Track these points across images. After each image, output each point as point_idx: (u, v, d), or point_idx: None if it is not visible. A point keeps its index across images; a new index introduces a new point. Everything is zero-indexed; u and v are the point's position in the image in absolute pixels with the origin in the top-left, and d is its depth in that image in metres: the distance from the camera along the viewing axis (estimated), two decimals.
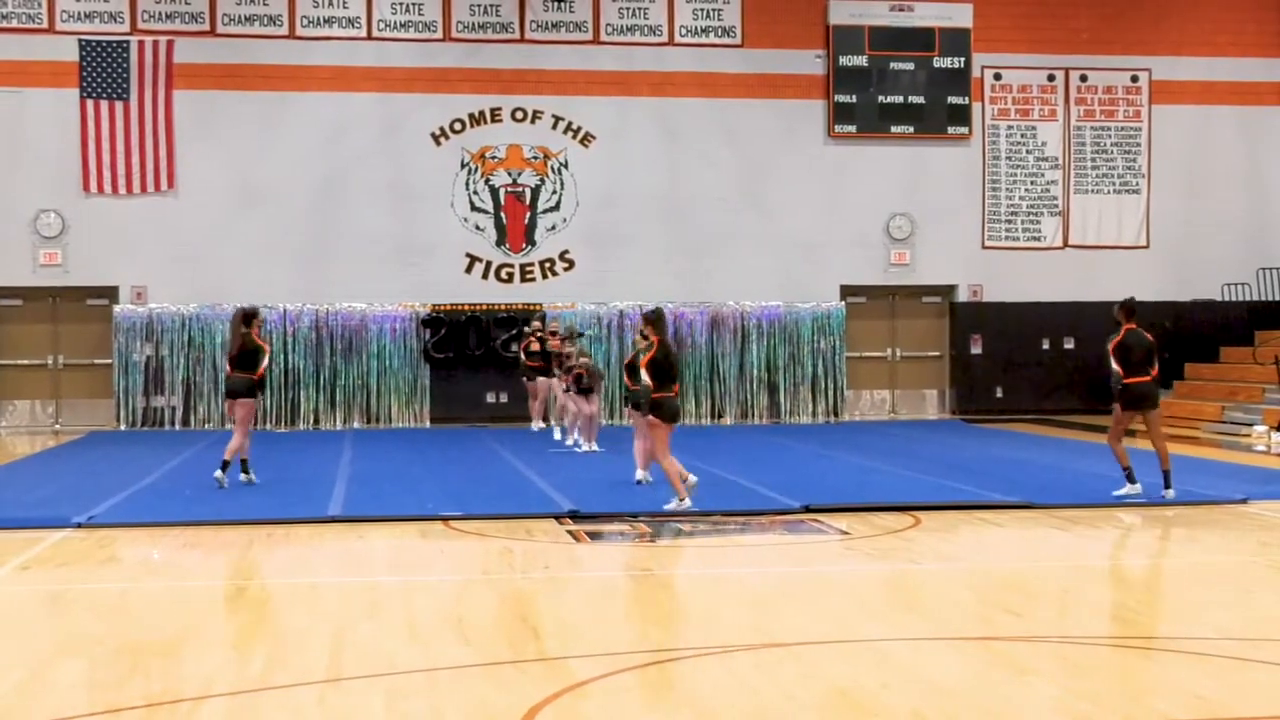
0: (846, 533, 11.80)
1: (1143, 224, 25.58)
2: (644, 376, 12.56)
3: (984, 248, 25.24)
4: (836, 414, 24.42)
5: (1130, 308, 13.20)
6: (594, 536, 11.73)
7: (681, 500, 12.65)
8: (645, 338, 12.84)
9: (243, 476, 14.44)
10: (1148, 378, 13.08)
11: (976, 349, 25.03)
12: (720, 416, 24.04)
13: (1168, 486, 13.23)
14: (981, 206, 25.23)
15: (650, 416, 12.54)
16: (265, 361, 14.37)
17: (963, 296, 25.11)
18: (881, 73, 24.82)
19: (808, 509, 12.87)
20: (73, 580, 10.00)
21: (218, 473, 14.30)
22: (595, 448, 17.53)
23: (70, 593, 9.59)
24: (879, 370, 25.45)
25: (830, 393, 24.45)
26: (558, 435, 19.62)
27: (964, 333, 25.18)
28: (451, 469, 16.49)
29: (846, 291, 24.89)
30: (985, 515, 12.73)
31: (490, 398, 23.77)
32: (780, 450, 18.46)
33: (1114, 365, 13.05)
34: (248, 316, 14.42)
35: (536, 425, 20.74)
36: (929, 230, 24.99)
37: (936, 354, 25.58)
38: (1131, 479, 13.27)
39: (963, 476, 14.94)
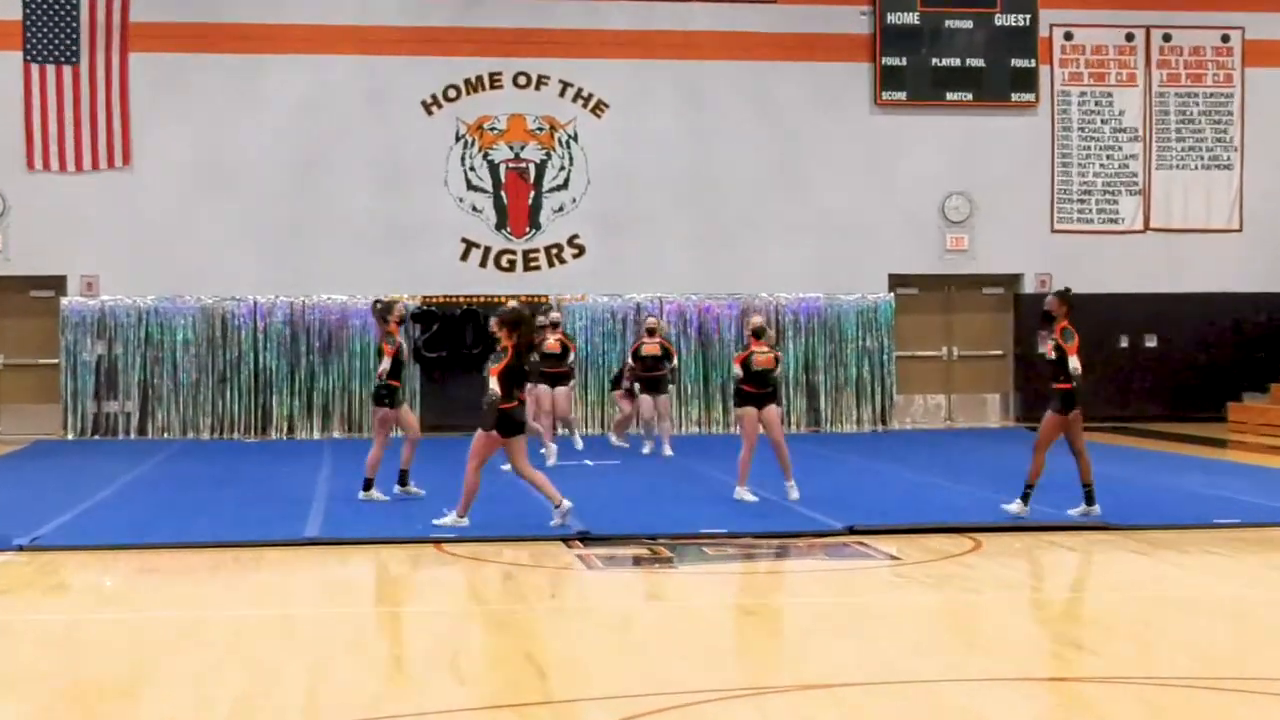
0: (897, 558, 11.79)
1: (1235, 203, 25.47)
2: (493, 385, 12.64)
3: (1053, 231, 25.16)
4: (884, 422, 24.37)
5: (1072, 300, 13.37)
6: (607, 561, 11.73)
7: (460, 518, 12.86)
8: (499, 342, 12.93)
9: (398, 489, 14.61)
10: None
11: (1044, 348, 24.90)
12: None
13: (1026, 502, 13.42)
14: (1050, 184, 25.14)
15: (493, 431, 12.66)
16: (383, 364, 14.31)
17: (1029, 288, 25.03)
18: (935, 32, 24.75)
19: (852, 530, 12.85)
20: (14, 610, 10.02)
21: (361, 494, 14.51)
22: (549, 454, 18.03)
23: (12, 624, 9.60)
24: (933, 372, 25.39)
25: (877, 397, 24.39)
26: (579, 445, 19.72)
27: (1030, 329, 25.05)
28: (445, 484, 16.47)
29: (896, 281, 24.84)
30: (1055, 538, 12.69)
31: None
32: (820, 463, 18.43)
33: (1078, 366, 13.13)
34: (383, 309, 14.49)
35: (579, 445, 20.05)
36: (990, 211, 24.91)
37: (999, 353, 25.51)
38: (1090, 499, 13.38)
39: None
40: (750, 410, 14.50)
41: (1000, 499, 13.77)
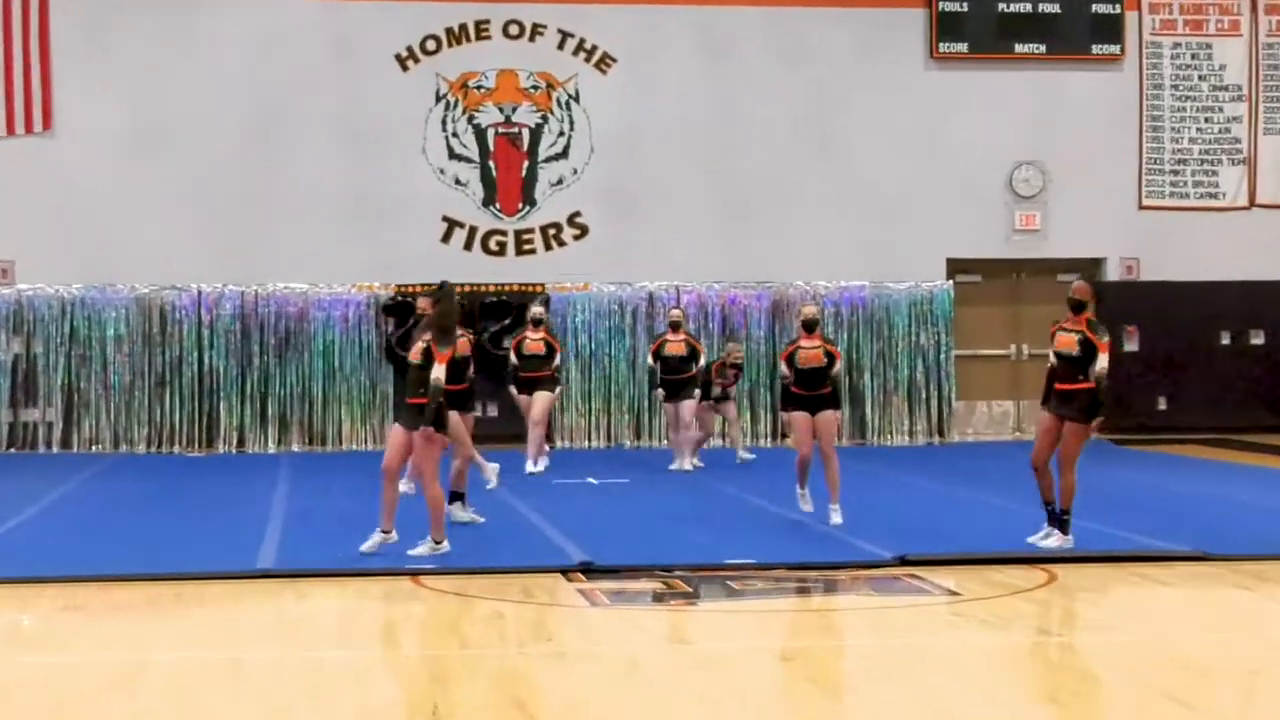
0: (956, 593, 11.80)
1: None
2: (437, 374, 12.73)
3: (1141, 208, 25.15)
4: (941, 433, 24.37)
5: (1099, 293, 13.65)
6: (614, 597, 11.73)
7: (438, 545, 12.97)
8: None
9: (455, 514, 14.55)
10: None
11: (1131, 345, 24.91)
12: (786, 436, 23.99)
13: (1067, 530, 13.38)
14: (1138, 152, 25.13)
15: (432, 429, 12.77)
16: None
17: (1113, 275, 25.01)
18: None
19: (903, 561, 12.86)
20: None
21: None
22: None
23: None
24: (999, 374, 25.37)
25: (933, 404, 24.39)
26: (531, 467, 19.36)
27: (1114, 323, 25.02)
28: (421, 506, 16.47)
29: (955, 267, 24.84)
30: (1144, 570, 12.68)
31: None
32: (867, 480, 18.41)
33: (1105, 366, 13.22)
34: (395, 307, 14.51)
35: (532, 466, 19.54)
36: (1066, 185, 24.90)
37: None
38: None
39: (1113, 517, 14.88)
40: (800, 414, 14.69)
41: (1083, 524, 13.73)
